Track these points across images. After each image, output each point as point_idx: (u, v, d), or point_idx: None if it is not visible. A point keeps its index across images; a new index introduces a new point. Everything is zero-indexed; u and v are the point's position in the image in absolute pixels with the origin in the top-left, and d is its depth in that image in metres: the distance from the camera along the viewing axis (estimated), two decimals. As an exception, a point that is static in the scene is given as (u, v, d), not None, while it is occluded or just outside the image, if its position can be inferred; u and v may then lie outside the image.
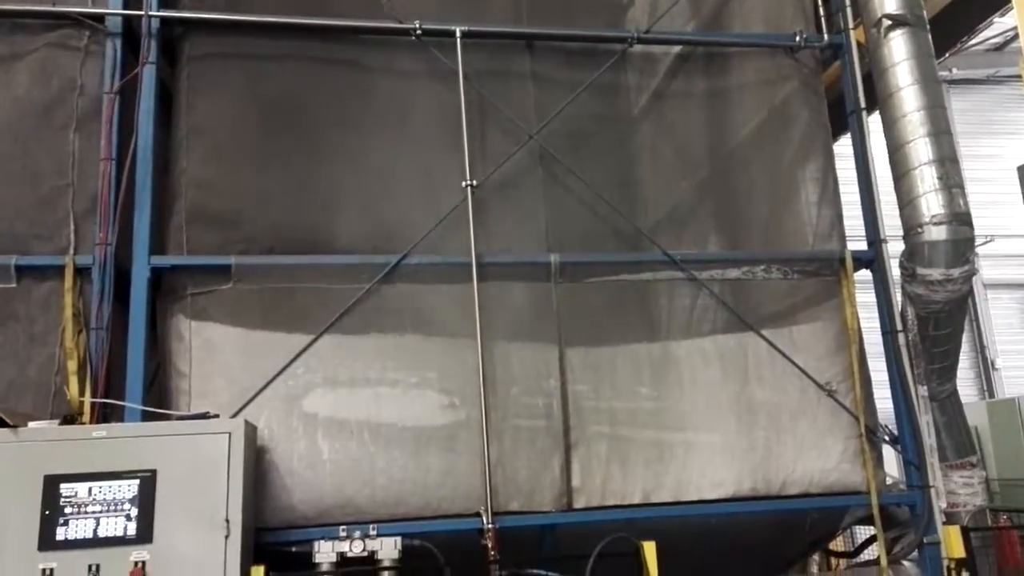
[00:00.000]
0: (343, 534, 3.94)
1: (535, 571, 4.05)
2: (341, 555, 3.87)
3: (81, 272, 4.11)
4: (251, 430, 3.86)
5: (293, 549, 3.94)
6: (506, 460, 4.33)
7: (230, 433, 3.57)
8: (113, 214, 4.14)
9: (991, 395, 15.49)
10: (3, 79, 4.35)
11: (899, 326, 4.74)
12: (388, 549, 3.92)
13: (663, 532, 4.09)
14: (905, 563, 4.61)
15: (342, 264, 4.39)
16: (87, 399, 3.80)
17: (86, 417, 3.79)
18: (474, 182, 4.55)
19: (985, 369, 15.55)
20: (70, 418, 3.65)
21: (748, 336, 4.72)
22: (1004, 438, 12.54)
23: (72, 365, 3.86)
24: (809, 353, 4.71)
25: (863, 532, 5.54)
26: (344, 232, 4.48)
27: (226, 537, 3.40)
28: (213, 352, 4.22)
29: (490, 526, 4.06)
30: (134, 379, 3.96)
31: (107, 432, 3.45)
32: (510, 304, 4.54)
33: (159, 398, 4.19)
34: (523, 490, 4.32)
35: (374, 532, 3.97)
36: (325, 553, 3.84)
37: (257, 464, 4.00)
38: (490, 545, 4.00)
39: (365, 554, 3.88)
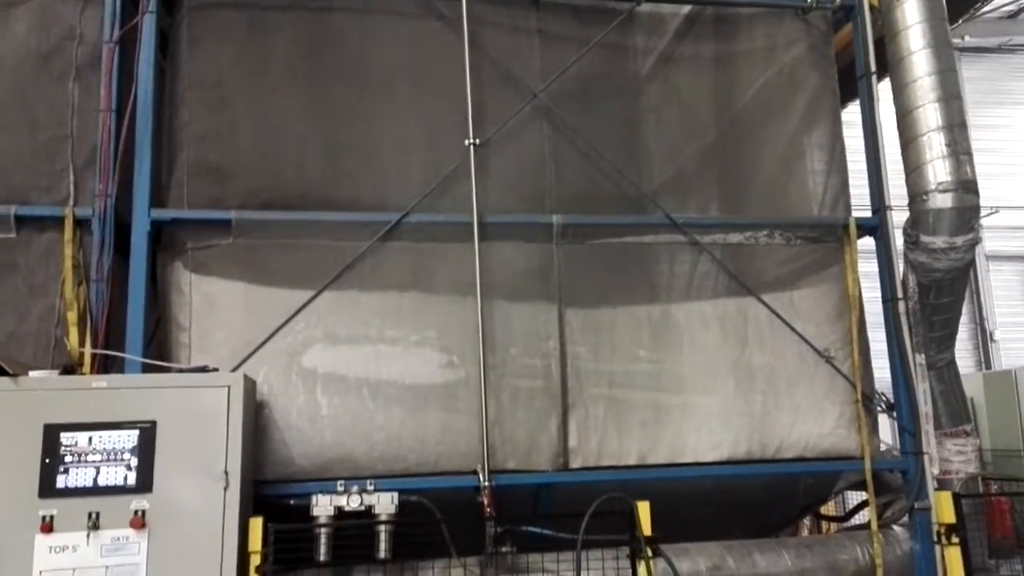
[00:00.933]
0: (341, 489, 3.97)
1: (530, 528, 4.10)
2: (339, 509, 3.90)
3: (81, 224, 4.10)
4: (250, 384, 3.88)
5: (291, 502, 3.98)
6: (504, 419, 4.36)
7: (229, 387, 3.59)
8: (113, 166, 4.10)
9: (988, 367, 15.55)
10: (1, 26, 4.29)
11: (900, 294, 4.73)
12: (385, 504, 3.96)
13: (658, 493, 4.14)
14: (895, 527, 4.66)
15: (343, 221, 4.37)
16: (87, 350, 3.82)
17: (86, 368, 3.80)
18: (477, 140, 4.51)
19: (983, 341, 15.59)
20: (70, 369, 3.66)
21: (748, 301, 4.71)
22: (999, 410, 12.61)
23: (72, 316, 3.87)
24: (809, 319, 4.72)
25: (854, 498, 5.61)
26: (345, 188, 4.45)
27: (225, 488, 3.44)
28: (213, 306, 4.23)
29: (486, 484, 4.10)
30: (134, 331, 3.96)
31: (107, 383, 3.47)
32: (511, 264, 4.53)
33: (159, 351, 4.20)
34: (520, 449, 4.36)
35: (371, 487, 4.01)
36: (323, 507, 3.88)
37: (256, 418, 4.03)
38: (486, 502, 4.05)
39: (362, 508, 3.93)
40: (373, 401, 4.27)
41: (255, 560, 3.53)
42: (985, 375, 14.22)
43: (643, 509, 3.98)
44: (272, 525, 3.64)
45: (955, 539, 4.03)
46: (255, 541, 3.56)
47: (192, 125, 4.36)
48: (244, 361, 4.13)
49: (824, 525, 6.41)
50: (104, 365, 3.90)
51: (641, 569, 3.90)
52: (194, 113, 4.37)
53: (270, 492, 3.98)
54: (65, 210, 4.06)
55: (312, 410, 4.19)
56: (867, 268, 4.86)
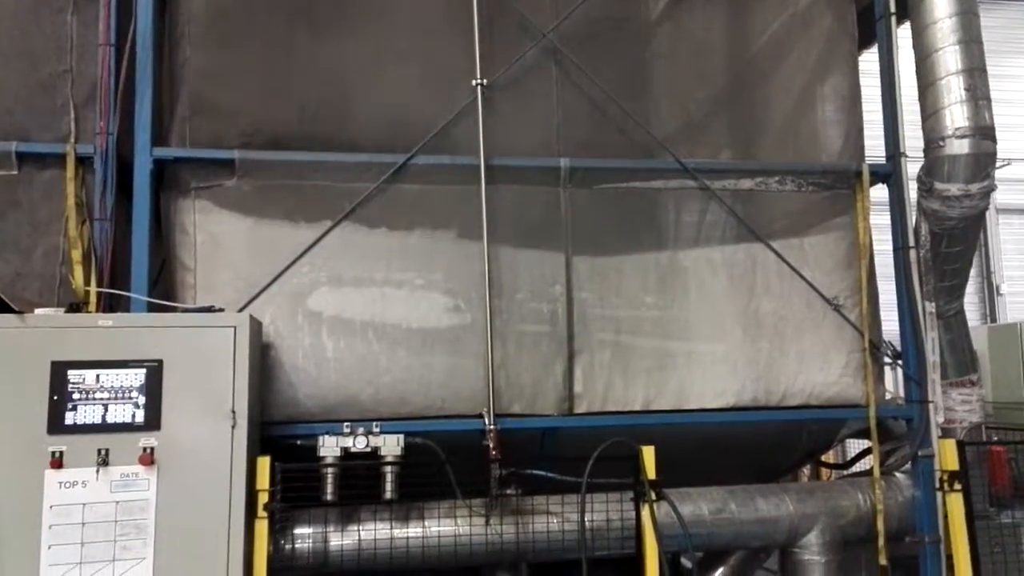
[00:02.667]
0: (347, 431, 3.99)
1: (535, 471, 4.13)
2: (345, 450, 3.93)
3: (83, 161, 4.04)
4: (256, 325, 3.87)
5: (298, 443, 4.01)
6: (509, 364, 4.36)
7: (235, 327, 3.58)
8: (113, 102, 4.03)
9: (993, 320, 15.54)
10: (-4, -43, 4.17)
11: (912, 242, 4.68)
12: (391, 446, 3.98)
13: (662, 439, 4.15)
14: (897, 475, 4.69)
15: (349, 162, 4.30)
16: (92, 289, 3.80)
17: (92, 307, 3.80)
18: (484, 81, 4.41)
19: (989, 294, 15.55)
20: (75, 307, 3.65)
21: (757, 248, 4.67)
22: (1003, 363, 12.63)
23: (76, 255, 3.84)
24: (818, 267, 4.67)
25: (854, 447, 5.63)
26: (351, 127, 4.37)
27: (233, 427, 3.45)
28: (218, 247, 4.19)
29: (492, 428, 4.12)
30: (139, 271, 3.94)
31: (114, 322, 3.46)
32: (518, 208, 4.48)
33: (164, 292, 4.18)
34: (525, 394, 4.37)
35: (377, 429, 4.03)
36: (329, 448, 3.91)
37: (262, 359, 4.03)
38: (491, 446, 4.07)
39: (368, 450, 3.95)
40: (379, 344, 4.26)
41: (263, 498, 3.57)
42: (990, 328, 14.22)
43: (648, 453, 4.01)
44: (280, 464, 3.67)
45: (957, 486, 4.05)
46: (263, 479, 3.59)
47: (194, 61, 4.26)
48: (250, 302, 4.11)
49: (823, 472, 6.47)
50: (109, 304, 3.89)
51: (645, 512, 3.94)
52: (196, 48, 4.27)
53: (277, 433, 4.01)
54: (66, 147, 4.00)
55: (318, 352, 4.19)
56: (878, 220, 4.80)
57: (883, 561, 4.45)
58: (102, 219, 3.97)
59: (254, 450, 3.64)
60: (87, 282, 3.84)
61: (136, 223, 4.01)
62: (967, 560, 3.94)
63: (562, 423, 4.37)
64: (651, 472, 3.97)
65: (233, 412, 3.45)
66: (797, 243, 4.72)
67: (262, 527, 3.55)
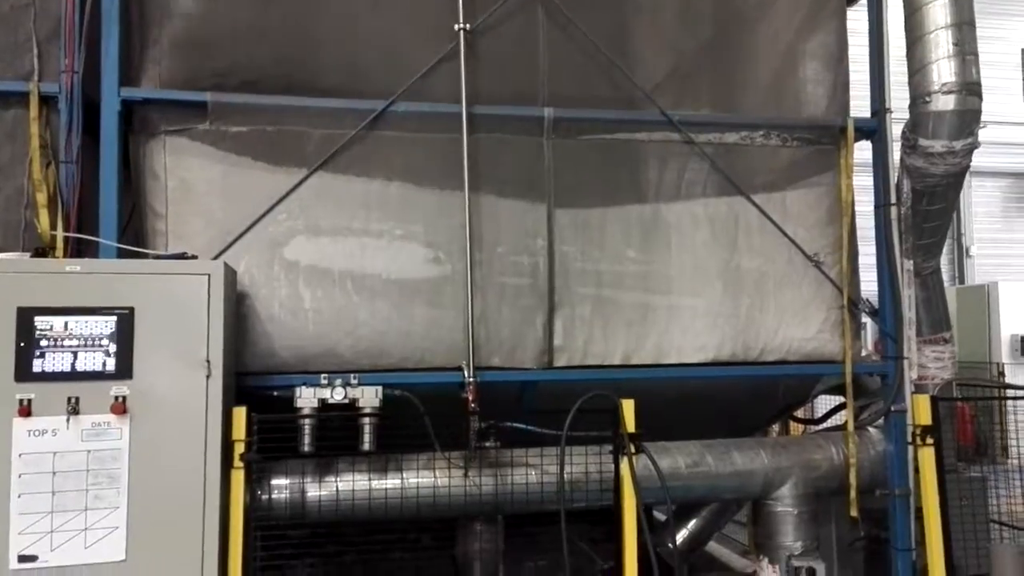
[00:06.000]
0: (324, 382, 3.93)
1: (514, 424, 4.12)
2: (322, 402, 3.88)
3: (47, 101, 3.87)
4: (231, 273, 3.77)
5: (275, 394, 3.95)
6: (490, 316, 4.32)
7: (209, 275, 3.48)
8: (78, 39, 3.84)
9: (962, 281, 15.81)
10: None
11: (893, 199, 4.67)
12: (369, 398, 3.93)
13: (641, 393, 4.14)
14: (870, 429, 4.76)
15: (327, 108, 4.17)
16: (59, 233, 3.67)
17: (58, 252, 3.67)
18: (467, 26, 4.27)
19: (959, 256, 15.80)
20: (41, 252, 3.52)
21: (740, 203, 4.63)
22: (970, 323, 12.92)
23: (41, 198, 3.70)
24: (800, 223, 4.66)
25: (822, 403, 5.69)
26: (329, 72, 4.23)
27: (207, 377, 3.38)
28: (190, 193, 4.07)
29: (471, 380, 4.08)
30: (107, 216, 3.80)
31: (81, 267, 3.34)
32: (500, 158, 4.38)
33: (134, 239, 4.05)
34: (505, 347, 4.34)
35: (355, 381, 3.97)
36: (307, 399, 3.85)
37: (237, 309, 3.94)
38: (470, 398, 4.04)
39: (346, 401, 3.90)
40: (357, 295, 4.19)
41: (239, 448, 3.52)
42: (959, 289, 14.49)
43: (628, 407, 4.01)
44: (256, 415, 3.62)
45: (929, 440, 4.12)
46: (239, 430, 3.54)
47: (163, -2, 4.07)
48: (224, 250, 4.00)
49: (791, 428, 6.56)
50: (77, 251, 3.76)
51: (623, 465, 3.95)
52: (165, -16, 4.08)
53: (253, 384, 3.94)
54: (30, 85, 3.82)
55: (295, 303, 4.11)
56: (858, 182, 4.78)
57: (854, 513, 4.54)
58: (68, 161, 3.82)
59: (229, 401, 3.57)
60: (53, 227, 3.70)
61: (104, 166, 3.86)
62: (936, 512, 4.03)
63: (542, 376, 4.35)
64: (630, 425, 3.98)
65: (208, 362, 3.38)
66: (779, 198, 4.69)
67: (238, 478, 3.51)
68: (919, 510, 4.43)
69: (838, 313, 4.64)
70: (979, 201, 15.97)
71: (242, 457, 3.52)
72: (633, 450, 3.96)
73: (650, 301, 4.52)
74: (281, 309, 4.09)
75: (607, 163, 4.56)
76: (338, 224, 4.21)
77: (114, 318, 3.30)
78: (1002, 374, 12.11)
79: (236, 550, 3.44)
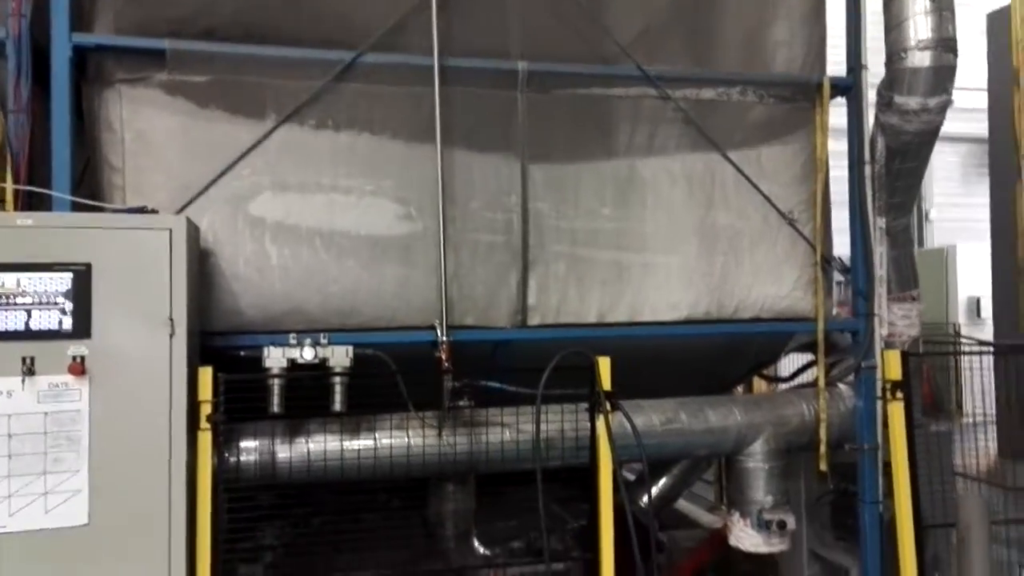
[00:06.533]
0: (293, 341, 3.82)
1: (488, 383, 4.06)
2: (291, 362, 3.77)
3: (-8, 46, 3.64)
4: (193, 229, 3.62)
5: (242, 354, 3.83)
6: (462, 275, 4.23)
7: (171, 229, 3.33)
8: (25, -21, 3.61)
9: (921, 245, 16.11)
10: None
11: (867, 157, 4.67)
12: (340, 357, 3.83)
13: (615, 352, 4.10)
14: (840, 386, 4.80)
15: (293, 58, 3.99)
16: (8, 186, 3.47)
17: (8, 206, 3.48)
18: (439, -27, 4.12)
19: (918, 219, 16.07)
20: (-10, 206, 3.34)
21: (715, 160, 4.58)
22: (929, 286, 13.16)
23: (-11, 149, 3.50)
24: (775, 180, 4.63)
25: (788, 363, 5.72)
26: (294, 20, 4.04)
27: (171, 336, 3.25)
28: (148, 146, 3.88)
29: (444, 339, 4.01)
30: (60, 169, 3.61)
31: (34, 221, 3.16)
32: (473, 113, 4.26)
33: (90, 195, 3.85)
34: (479, 305, 4.26)
35: (325, 340, 3.87)
36: (275, 359, 3.73)
37: (201, 267, 3.80)
38: (443, 357, 3.97)
39: (316, 361, 3.80)
40: (326, 253, 4.07)
41: (205, 409, 3.41)
42: (919, 252, 14.74)
43: (603, 364, 3.97)
44: (223, 375, 3.50)
45: (899, 395, 4.16)
46: (205, 390, 3.42)
47: (115, -64, 3.84)
48: (186, 206, 3.84)
49: (755, 387, 6.63)
50: (28, 205, 3.57)
51: (599, 423, 3.93)
52: (117, -78, 3.84)
53: (220, 343, 3.82)
54: (-28, 29, 3.59)
55: (261, 260, 3.97)
56: (832, 147, 4.75)
57: (823, 467, 4.59)
58: (17, 111, 3.60)
59: (194, 361, 3.45)
60: (2, 179, 3.50)
61: (55, 117, 3.66)
62: (905, 465, 4.09)
63: (515, 335, 4.29)
64: (606, 383, 3.94)
65: (171, 320, 3.24)
66: (755, 155, 4.66)
67: (205, 439, 3.41)
68: (886, 464, 4.50)
69: (811, 271, 4.64)
70: (939, 166, 16.20)
71: (209, 418, 3.41)
72: (609, 408, 3.93)
73: (625, 259, 4.47)
74: (247, 267, 3.95)
75: (582, 119, 4.47)
76: (305, 179, 4.06)
77: (70, 275, 3.14)
78: (958, 335, 12.42)
79: (205, 513, 3.34)
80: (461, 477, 5.21)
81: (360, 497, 5.56)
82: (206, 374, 3.42)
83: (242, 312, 3.92)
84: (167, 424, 3.20)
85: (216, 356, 3.73)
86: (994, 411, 10.03)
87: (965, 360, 9.80)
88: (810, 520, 5.00)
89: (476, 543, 5.58)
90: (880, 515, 4.54)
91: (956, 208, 16.21)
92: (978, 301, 13.57)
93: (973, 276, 13.41)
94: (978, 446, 8.07)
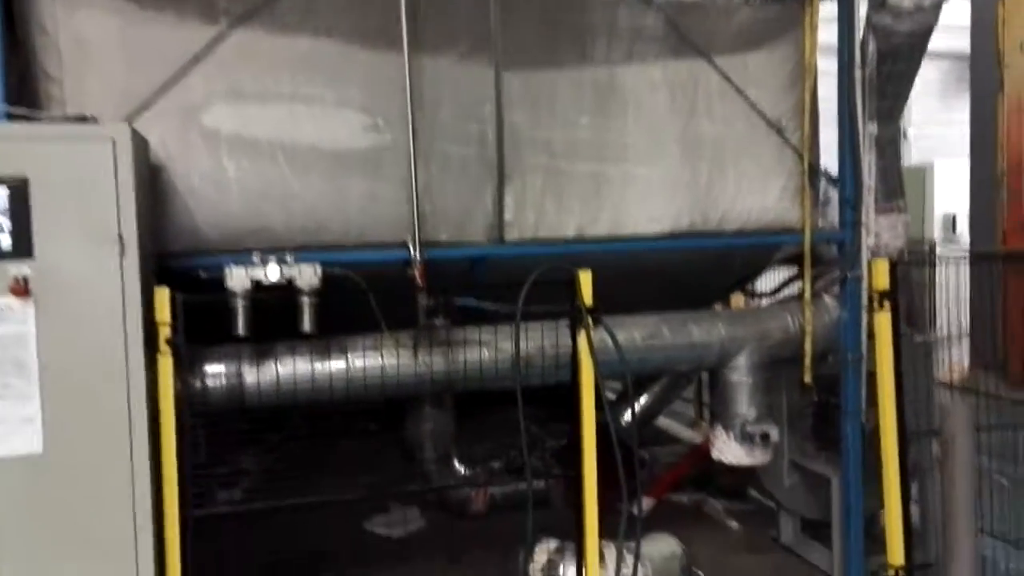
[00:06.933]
0: (257, 260, 3.61)
1: (464, 301, 3.90)
2: (256, 282, 3.57)
3: (-99, -63, 3.27)
4: (141, 141, 3.35)
5: (202, 275, 3.62)
6: (435, 189, 4.01)
7: (114, 140, 3.04)
8: None
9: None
10: None
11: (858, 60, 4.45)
12: (308, 276, 3.63)
13: (596, 268, 3.93)
14: (825, 297, 4.71)
15: (242, -49, 3.66)
16: (-70, 94, 3.17)
17: (-67, 117, 3.18)
18: None
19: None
20: (-89, 117, 3.04)
21: (699, 65, 4.35)
22: (909, 203, 13.14)
23: (-95, 54, 3.16)
24: (762, 86, 4.42)
25: (770, 280, 5.61)
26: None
27: (121, 255, 3.02)
28: (88, 52, 3.56)
29: (417, 256, 3.82)
30: (-11, 77, 3.30)
31: (-39, 132, 2.88)
32: (444, 15, 3.97)
33: (26, 107, 3.55)
34: (453, 221, 4.06)
35: (291, 259, 3.66)
36: (238, 279, 3.52)
37: (153, 183, 3.54)
38: (417, 275, 3.79)
39: (282, 281, 3.60)
40: (289, 166, 3.82)
41: (164, 332, 3.21)
42: (898, 169, 14.57)
43: (584, 278, 3.81)
44: (181, 295, 3.29)
45: (886, 305, 4.06)
46: (162, 312, 3.21)
47: None
48: (133, 116, 3.55)
49: (732, 304, 6.54)
50: (-45, 116, 3.26)
51: (581, 339, 3.79)
52: None
53: (176, 264, 3.59)
54: None
55: (218, 176, 3.72)
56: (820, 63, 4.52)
57: (808, 379, 4.54)
58: (-64, 12, 3.26)
59: (150, 282, 3.23)
60: (-75, 88, 3.19)
61: (-19, 18, 3.32)
62: (891, 375, 4.02)
63: (492, 252, 4.11)
64: (587, 296, 3.79)
65: (120, 237, 3.00)
66: (740, 61, 4.42)
67: (165, 364, 3.22)
68: (871, 375, 4.44)
69: (798, 180, 4.48)
70: (918, 84, 15.96)
71: (168, 342, 3.21)
72: (590, 323, 3.79)
73: (605, 171, 4.27)
74: (203, 183, 3.70)
75: (559, 23, 4.19)
76: (263, 88, 3.78)
77: (5, 190, 2.88)
78: (932, 251, 12.42)
79: (169, 440, 3.19)
80: (438, 398, 5.12)
81: (337, 421, 5.48)
82: (163, 295, 3.21)
83: (200, 231, 3.69)
84: (122, 348, 3.00)
85: (176, 278, 3.51)
86: (967, 325, 10.14)
87: (940, 275, 9.84)
88: (791, 432, 4.98)
89: (456, 464, 5.56)
90: (862, 424, 4.51)
91: (934, 126, 16.04)
92: (953, 218, 13.55)
93: (949, 192, 13.34)
94: (951, 358, 8.13)
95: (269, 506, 3.95)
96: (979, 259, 7.91)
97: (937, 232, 13.94)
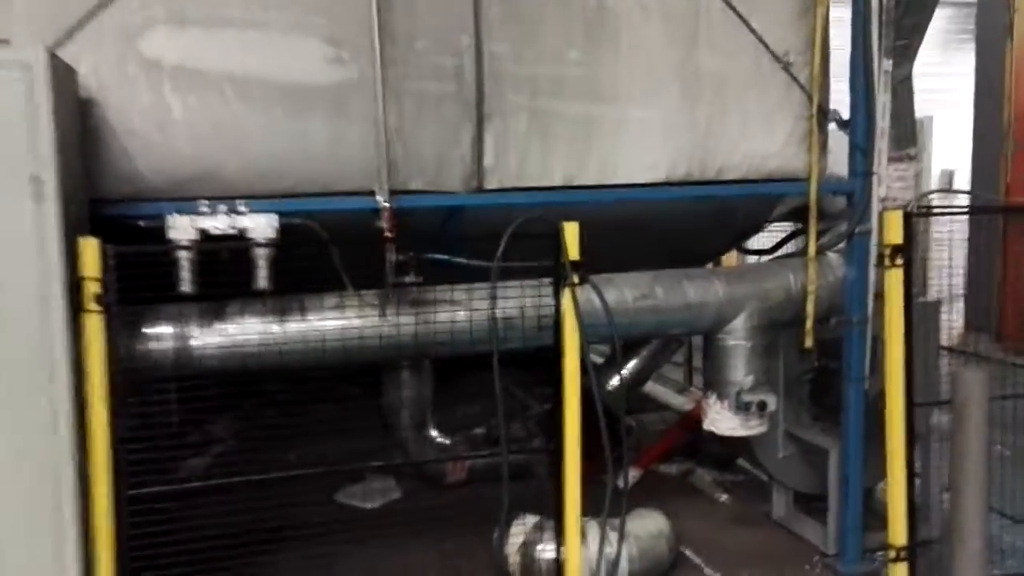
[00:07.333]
0: (206, 209, 3.23)
1: (437, 256, 3.53)
2: (203, 233, 3.19)
3: None
4: (66, 70, 2.94)
5: (141, 224, 3.24)
6: (406, 130, 3.61)
7: (30, 67, 2.64)
8: None
9: (896, 117, 15.61)
10: None
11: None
12: (262, 227, 3.26)
13: (584, 220, 3.56)
14: (829, 254, 4.37)
15: None
16: None
17: None
18: None
19: (896, 90, 15.47)
20: None
21: (700, -9, 3.92)
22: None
23: None
24: (769, 17, 3.99)
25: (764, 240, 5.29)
26: None
27: (38, 200, 2.62)
28: (1, -35, 3.11)
29: (386, 205, 3.44)
30: None
31: None
32: (413, -71, 3.52)
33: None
34: (427, 167, 3.66)
35: (245, 208, 3.28)
36: (182, 228, 3.15)
37: (84, 120, 3.12)
38: (386, 227, 3.41)
39: (233, 231, 3.22)
40: (241, 103, 3.40)
41: (91, 288, 2.82)
42: (896, 123, 14.21)
43: (570, 230, 3.43)
44: (112, 247, 2.90)
45: (899, 261, 3.72)
46: (90, 266, 2.83)
47: None
48: (60, 43, 3.12)
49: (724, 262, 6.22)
50: None
51: (566, 297, 3.43)
52: None
53: (113, 212, 3.21)
54: None
55: (161, 113, 3.30)
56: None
57: (809, 343, 4.22)
58: None
59: (74, 231, 2.83)
60: None
61: None
62: (900, 338, 3.70)
63: (470, 201, 3.73)
64: (573, 250, 3.43)
65: (36, 179, 2.61)
66: (746, -14, 4.00)
67: (94, 324, 2.84)
68: (874, 339, 4.12)
69: (806, 124, 4.09)
70: (918, 33, 15.44)
71: (97, 299, 2.83)
72: (576, 280, 3.43)
73: (595, 111, 3.87)
74: (144, 121, 3.28)
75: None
76: (211, 12, 3.34)
77: None
78: (929, 209, 12.09)
79: (99, 410, 2.83)
80: (415, 363, 4.79)
81: (311, 386, 5.17)
82: (89, 246, 2.82)
83: (142, 176, 3.28)
84: (40, 306, 2.63)
85: (117, 231, 3.13)
86: (963, 286, 9.89)
87: (935, 233, 9.54)
88: (787, 400, 4.67)
89: (433, 432, 5.25)
90: (864, 392, 4.21)
91: (933, 78, 15.58)
92: (951, 174, 13.21)
93: (947, 147, 12.98)
94: (949, 320, 7.88)
95: (227, 483, 3.61)
96: (979, 212, 7.59)
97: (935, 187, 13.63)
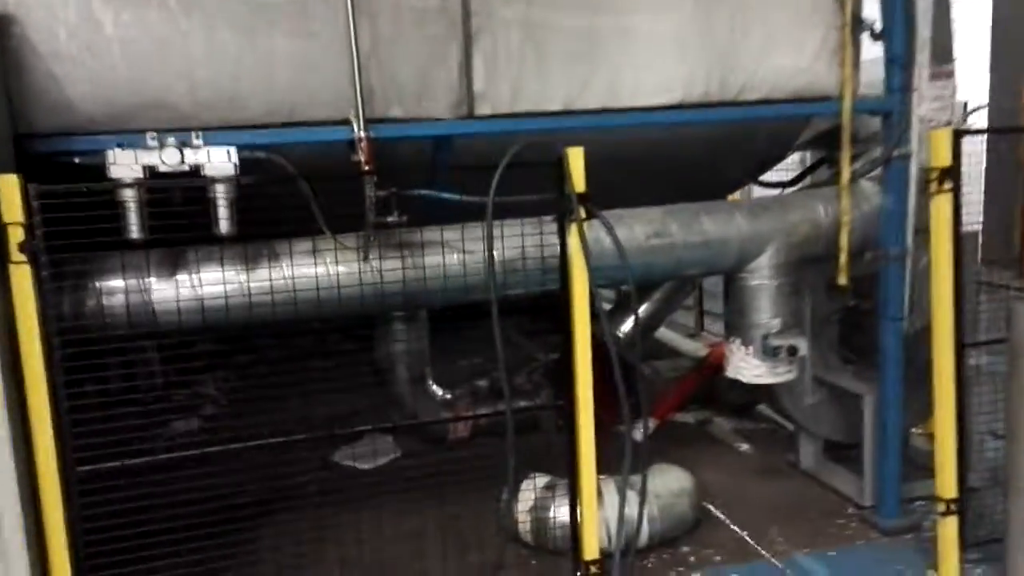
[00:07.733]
0: (153, 143, 2.79)
1: (423, 192, 3.10)
2: (149, 169, 2.76)
3: None
4: (-31, -24, 2.46)
5: (77, 160, 2.80)
6: (384, 51, 3.16)
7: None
8: None
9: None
10: None
11: None
12: (219, 162, 2.83)
13: (587, 149, 3.11)
14: (862, 182, 3.93)
15: None
16: None
17: None
18: None
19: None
20: None
21: None
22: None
23: None
24: (797, -92, 3.50)
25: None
26: None
27: (-62, 130, 2.19)
28: None
29: (362, 136, 2.99)
30: None
31: None
32: None
33: None
34: (408, 92, 3.23)
35: (198, 141, 2.84)
36: (124, 165, 2.73)
37: (1, 40, 2.66)
38: (363, 159, 2.98)
39: (186, 167, 2.79)
40: (187, 19, 2.94)
41: (15, 235, 2.40)
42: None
43: (575, 157, 2.99)
44: (36, 185, 2.47)
45: (948, 185, 3.29)
46: (11, 210, 2.40)
47: None
48: (-37, -52, 2.65)
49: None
50: None
51: (572, 235, 3.01)
52: None
53: (43, 148, 2.78)
54: None
55: (92, 31, 2.85)
56: None
57: (843, 281, 3.82)
58: None
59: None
60: None
61: None
62: (949, 270, 3.29)
63: (458, 129, 3.29)
64: (579, 180, 2.99)
65: (-67, 105, 2.16)
66: None
67: (21, 276, 2.43)
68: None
69: (837, 36, 3.61)
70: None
71: (22, 247, 2.41)
72: (583, 215, 3.00)
73: (598, 24, 3.40)
74: (72, 41, 2.83)
75: None
76: (146, -94, 2.86)
77: None
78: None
79: (35, 372, 2.43)
80: (408, 313, 4.40)
81: (301, 341, 4.84)
82: (8, 184, 2.39)
83: (73, 105, 2.85)
84: (-52, 257, 2.21)
85: (51, 171, 2.70)
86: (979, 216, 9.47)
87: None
88: (815, 343, 4.28)
89: (433, 386, 4.89)
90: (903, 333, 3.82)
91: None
92: (965, 104, 12.67)
93: (963, 77, 12.43)
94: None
95: (210, 452, 3.23)
96: (1000, 133, 7.02)
97: (949, 121, 13.09)
